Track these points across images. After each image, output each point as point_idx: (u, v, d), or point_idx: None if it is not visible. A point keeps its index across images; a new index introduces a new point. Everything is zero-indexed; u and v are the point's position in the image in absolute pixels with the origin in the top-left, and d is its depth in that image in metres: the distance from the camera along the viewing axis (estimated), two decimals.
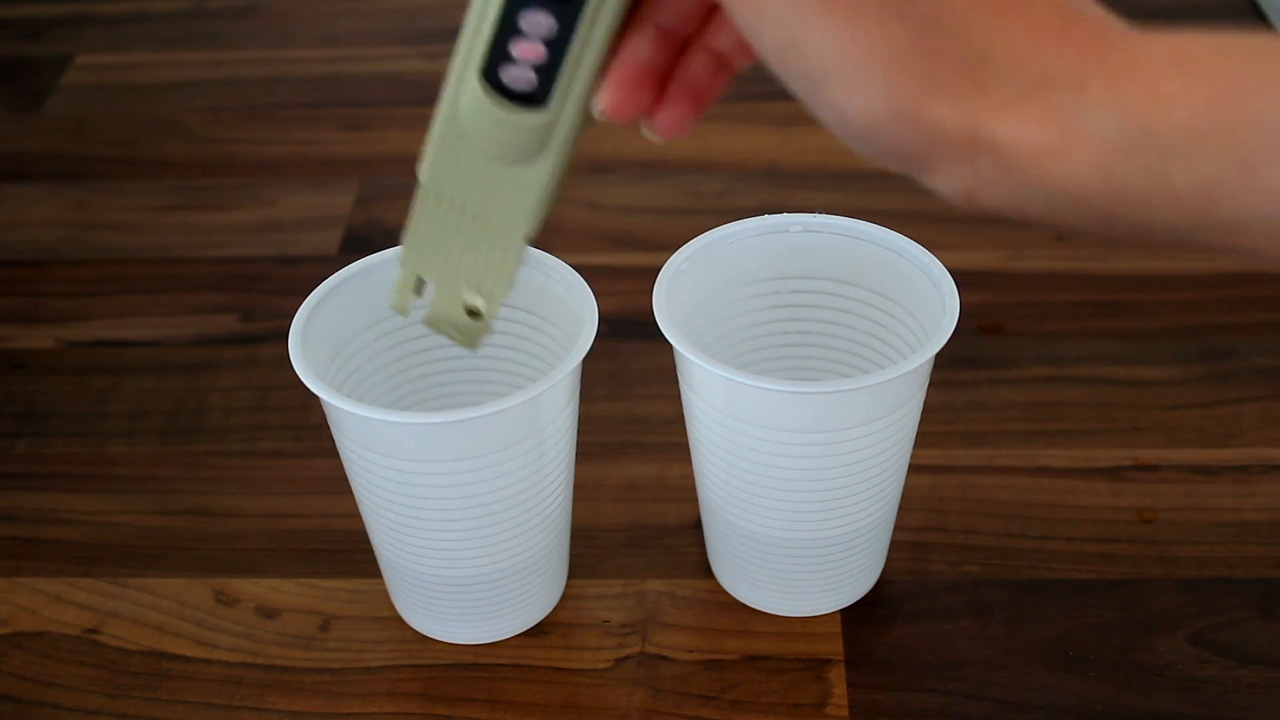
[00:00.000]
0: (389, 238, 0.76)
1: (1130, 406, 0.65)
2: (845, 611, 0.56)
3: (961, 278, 0.52)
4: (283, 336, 0.52)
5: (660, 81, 0.43)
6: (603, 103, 0.42)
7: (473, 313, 0.47)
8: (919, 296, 0.52)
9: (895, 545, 0.58)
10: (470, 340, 0.47)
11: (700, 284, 0.54)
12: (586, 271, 0.53)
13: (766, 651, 0.55)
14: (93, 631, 0.57)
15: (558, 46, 0.42)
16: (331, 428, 0.52)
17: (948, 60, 0.35)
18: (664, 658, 0.55)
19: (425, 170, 0.46)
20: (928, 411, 0.55)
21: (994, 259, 0.73)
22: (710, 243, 0.54)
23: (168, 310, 0.73)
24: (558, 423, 0.51)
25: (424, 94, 0.88)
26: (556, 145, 0.45)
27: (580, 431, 0.54)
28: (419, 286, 0.47)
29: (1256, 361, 0.67)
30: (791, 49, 0.37)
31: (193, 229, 0.78)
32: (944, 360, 0.55)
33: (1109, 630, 0.55)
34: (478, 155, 0.45)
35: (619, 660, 0.55)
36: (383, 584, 0.57)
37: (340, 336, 0.53)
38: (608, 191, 0.79)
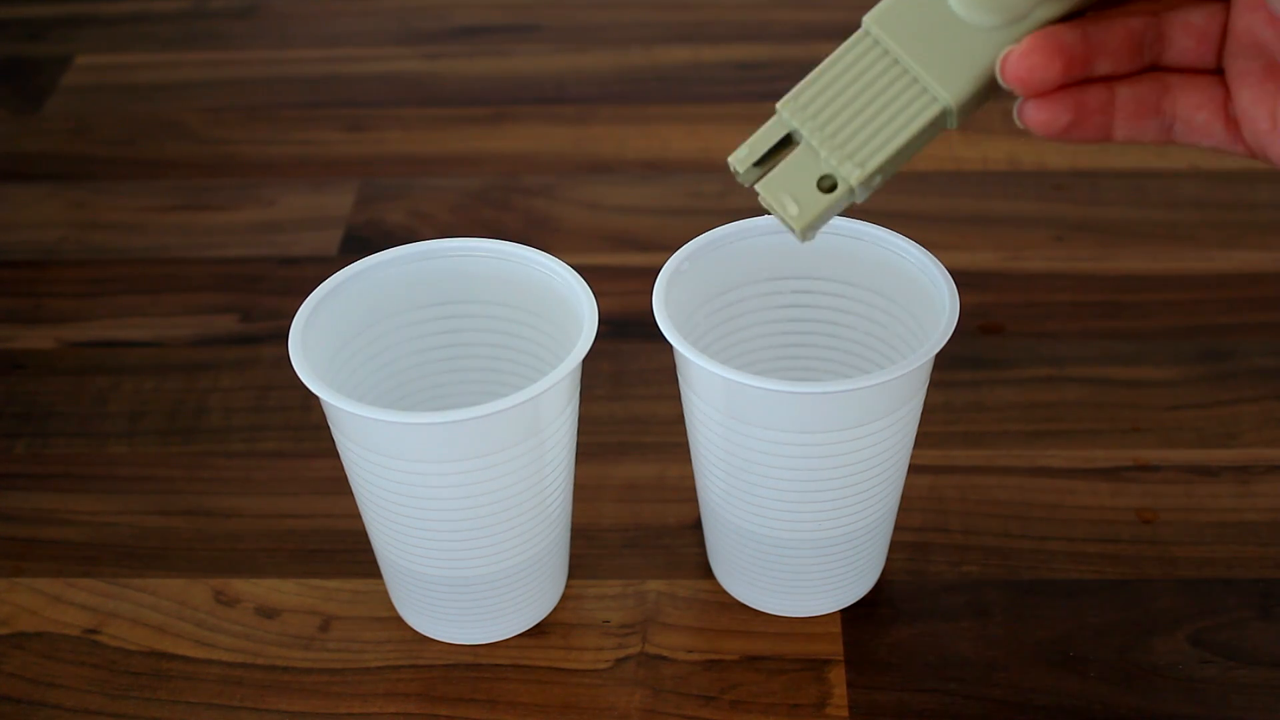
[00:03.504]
0: (389, 238, 0.76)
1: (1130, 406, 0.65)
2: (845, 611, 0.56)
3: (961, 278, 0.52)
4: (283, 336, 0.52)
5: (1069, 70, 0.42)
6: (1016, 50, 0.42)
7: (825, 189, 0.44)
8: (919, 296, 0.52)
9: (895, 545, 0.58)
10: (807, 218, 0.44)
11: (700, 284, 0.54)
12: (586, 271, 0.53)
13: (766, 651, 0.55)
14: (93, 632, 0.57)
15: None
16: (331, 428, 0.52)
17: None
18: (664, 658, 0.55)
19: (876, 12, 0.44)
20: (928, 411, 0.55)
21: (994, 259, 0.73)
22: (710, 243, 0.54)
23: (168, 310, 0.73)
24: (558, 423, 0.51)
25: (424, 94, 0.89)
26: (1032, 18, 0.43)
27: (580, 431, 0.54)
28: (779, 147, 0.45)
29: (1256, 362, 0.67)
30: None
31: (193, 229, 0.78)
32: (944, 360, 0.55)
33: (1109, 630, 0.55)
34: (945, 9, 0.43)
35: (619, 660, 0.55)
36: (383, 584, 0.57)
37: (340, 336, 0.53)
38: (608, 191, 0.79)
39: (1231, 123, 0.43)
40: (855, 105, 0.44)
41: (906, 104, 0.44)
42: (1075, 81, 0.43)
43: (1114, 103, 0.44)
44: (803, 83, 0.45)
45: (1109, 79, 0.43)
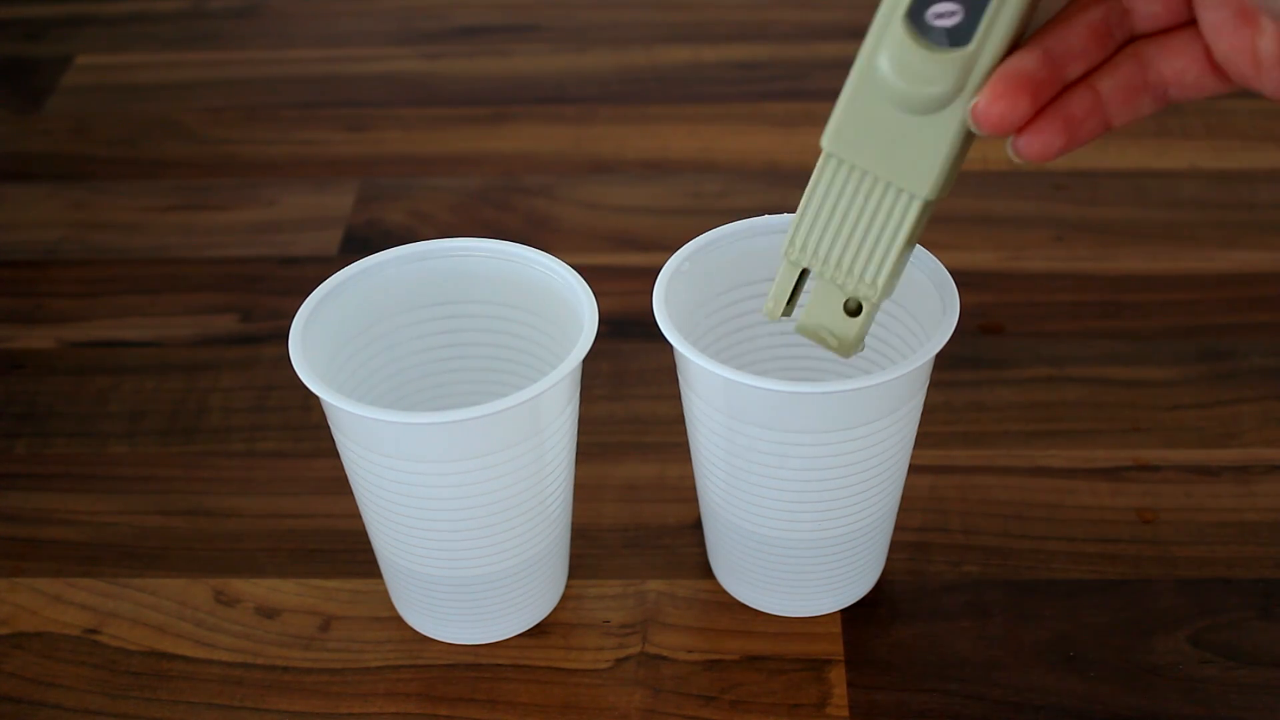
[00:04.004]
0: (389, 238, 0.76)
1: (1130, 406, 0.65)
2: (845, 611, 0.56)
3: (961, 278, 0.52)
4: (283, 336, 0.52)
5: (1038, 98, 0.43)
6: (981, 101, 0.43)
7: (851, 312, 0.47)
8: (919, 296, 0.52)
9: (895, 545, 0.58)
10: (847, 344, 0.48)
11: (700, 284, 0.54)
12: (586, 271, 0.53)
13: (766, 651, 0.55)
14: (93, 631, 0.57)
15: None
16: (331, 428, 0.52)
17: None
18: (664, 658, 0.55)
19: (829, 134, 0.46)
20: (928, 411, 0.55)
21: (994, 259, 0.73)
22: (710, 243, 0.54)
23: (168, 310, 0.73)
24: (558, 423, 0.51)
25: (424, 94, 0.89)
26: (970, 88, 0.44)
27: (580, 431, 0.54)
28: (800, 283, 0.48)
29: (1256, 361, 0.67)
30: None
31: (193, 229, 0.78)
32: (944, 360, 0.55)
33: (1109, 630, 0.55)
34: (889, 109, 0.45)
35: (619, 660, 0.55)
36: (383, 584, 0.57)
37: (340, 336, 0.53)
38: (608, 191, 0.79)
39: (1219, 70, 0.42)
40: (846, 230, 0.47)
41: (889, 211, 0.46)
42: (1055, 94, 0.43)
43: (1100, 98, 0.44)
44: (793, 222, 0.47)
45: (1088, 74, 0.43)
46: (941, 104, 0.44)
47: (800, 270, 0.48)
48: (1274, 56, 0.40)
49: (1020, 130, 0.43)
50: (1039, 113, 0.43)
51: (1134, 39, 0.44)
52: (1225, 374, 0.66)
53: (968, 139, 0.45)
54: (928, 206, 0.46)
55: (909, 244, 0.46)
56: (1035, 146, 0.43)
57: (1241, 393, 0.65)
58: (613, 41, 0.93)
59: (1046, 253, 0.74)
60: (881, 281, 0.47)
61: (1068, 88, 0.43)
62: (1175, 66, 0.43)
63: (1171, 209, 0.77)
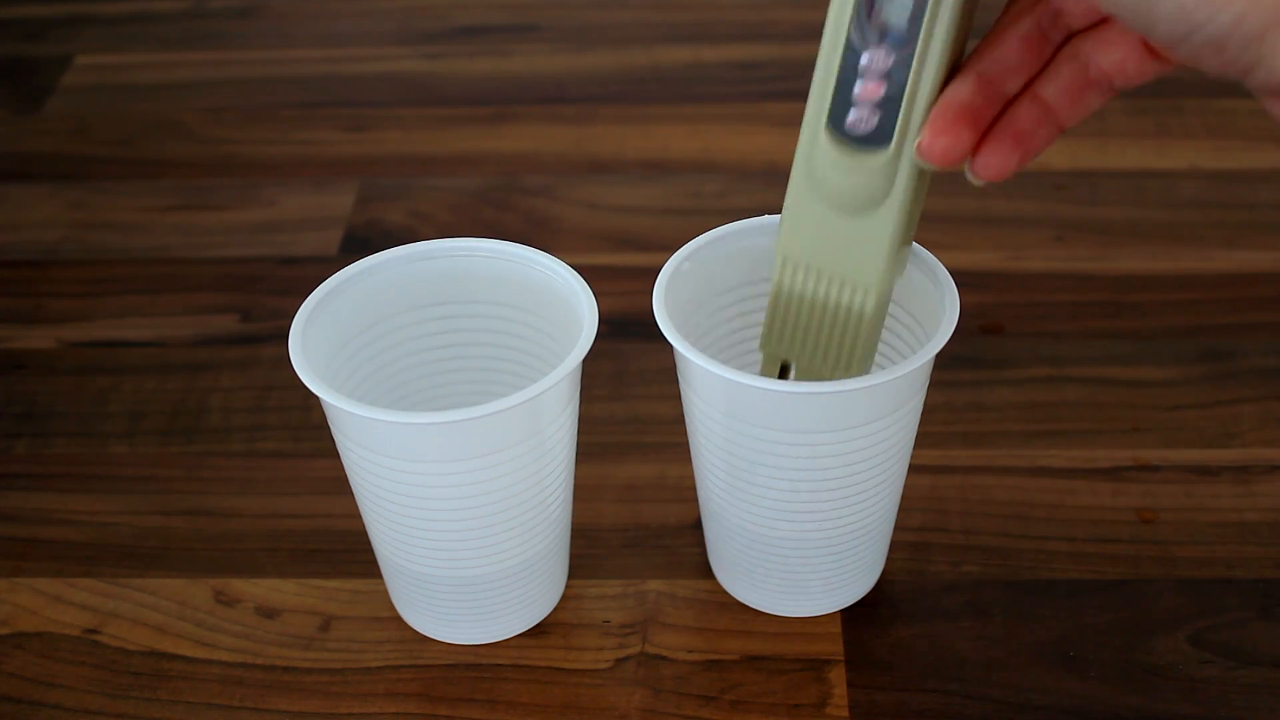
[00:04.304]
0: (389, 238, 0.76)
1: (1130, 406, 0.65)
2: (845, 611, 0.56)
3: (961, 278, 0.52)
4: (283, 336, 0.52)
5: (979, 125, 0.44)
6: (923, 139, 0.44)
7: None
8: (919, 296, 0.52)
9: (895, 545, 0.58)
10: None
11: (700, 284, 0.54)
12: (586, 271, 0.53)
13: (766, 651, 0.55)
14: (93, 631, 0.57)
15: (895, 82, 0.45)
16: (331, 428, 0.52)
17: None
18: (664, 658, 0.55)
19: (780, 239, 0.49)
20: (928, 411, 0.55)
21: (994, 259, 0.73)
22: (710, 243, 0.54)
23: (168, 310, 0.73)
24: (558, 423, 0.51)
25: (424, 94, 0.89)
26: (900, 185, 0.47)
27: (580, 431, 0.54)
28: (783, 372, 0.51)
29: (1256, 361, 0.67)
30: None
31: (193, 229, 0.78)
32: (944, 360, 0.55)
33: (1109, 630, 0.55)
34: (829, 212, 0.48)
35: (619, 660, 0.55)
36: (383, 584, 0.57)
37: (340, 336, 0.53)
38: (608, 191, 0.79)
39: (1157, 54, 0.42)
40: (813, 324, 0.50)
41: (849, 303, 0.49)
42: (999, 113, 0.44)
43: (1047, 105, 0.44)
44: (765, 319, 0.51)
45: (1030, 82, 0.44)
46: (875, 203, 0.47)
47: (781, 362, 0.51)
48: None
49: (974, 153, 0.44)
50: (988, 133, 0.44)
51: (1070, 37, 0.44)
52: (1225, 374, 0.66)
53: (911, 216, 0.48)
54: (885, 293, 0.49)
55: (874, 326, 0.49)
56: (991, 169, 0.44)
57: (1241, 393, 0.65)
58: (613, 41, 0.93)
59: (1046, 253, 0.74)
60: (856, 364, 0.50)
61: (1012, 102, 0.44)
62: (1114, 58, 0.43)
63: (1171, 209, 0.77)
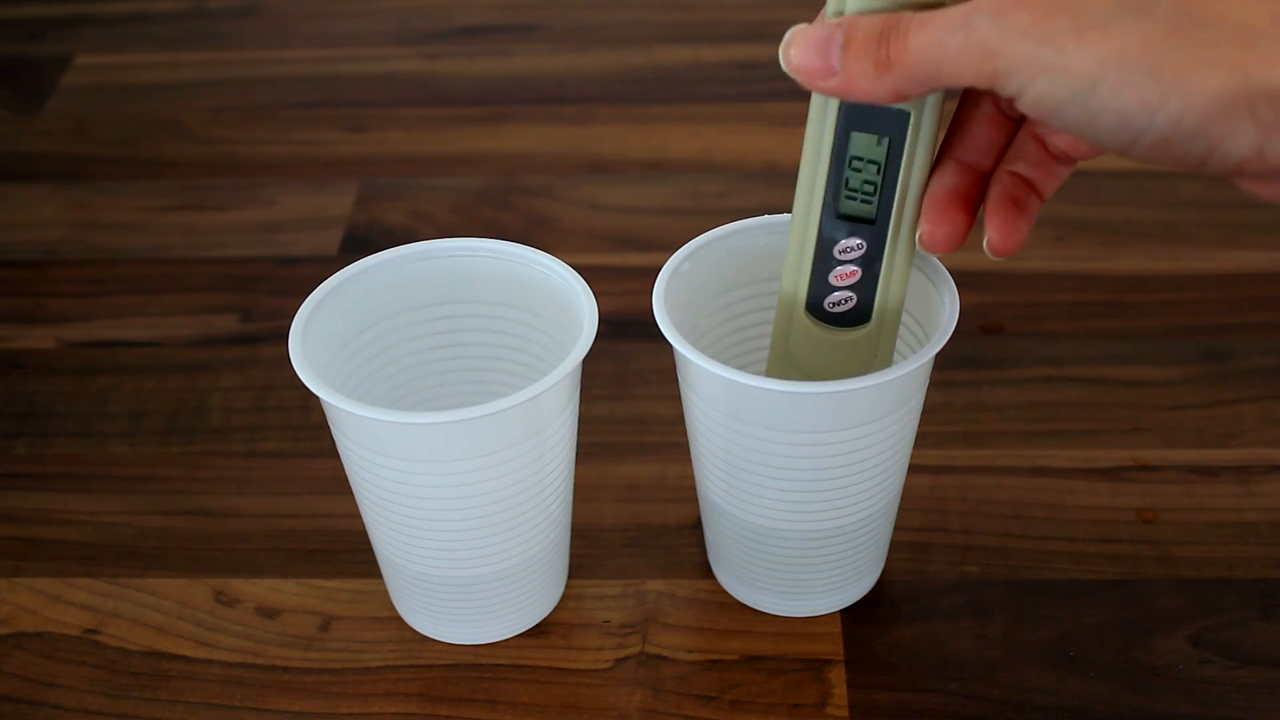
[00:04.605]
0: (389, 238, 0.76)
1: (1130, 406, 0.65)
2: (845, 611, 0.56)
3: (961, 278, 0.52)
4: (283, 336, 0.52)
5: (970, 206, 0.46)
6: (922, 231, 0.46)
7: None
8: (918, 297, 0.52)
9: (895, 545, 0.58)
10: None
11: (700, 284, 0.54)
12: (586, 271, 0.53)
13: (766, 651, 0.55)
14: (93, 631, 0.57)
15: (869, 264, 0.48)
16: (331, 428, 0.52)
17: (1208, 36, 0.37)
18: (664, 658, 0.55)
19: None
20: (928, 411, 0.55)
21: (994, 259, 0.73)
22: (710, 243, 0.54)
23: (168, 310, 0.73)
24: (558, 423, 0.51)
25: (424, 94, 0.89)
26: (884, 355, 0.50)
27: (580, 431, 0.54)
28: None
29: (1256, 361, 0.67)
30: (1055, 77, 0.38)
31: (193, 229, 0.78)
32: (944, 360, 0.55)
33: (1109, 630, 0.55)
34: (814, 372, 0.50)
35: (619, 660, 0.55)
36: (383, 584, 0.57)
37: (340, 336, 0.53)
38: (608, 191, 0.79)
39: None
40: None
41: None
42: (982, 191, 0.46)
43: (1024, 178, 0.45)
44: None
45: (999, 161, 0.46)
46: (860, 373, 0.49)
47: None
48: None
49: (988, 231, 0.45)
50: (989, 210, 0.45)
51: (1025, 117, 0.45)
52: (1225, 374, 0.66)
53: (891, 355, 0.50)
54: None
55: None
56: (1009, 241, 0.45)
57: (1241, 393, 0.65)
58: (613, 41, 0.93)
59: (1046, 253, 0.74)
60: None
61: (991, 178, 0.46)
62: (1067, 140, 0.45)
63: (1171, 209, 0.77)
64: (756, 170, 0.81)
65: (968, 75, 0.39)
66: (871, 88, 0.41)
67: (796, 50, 0.43)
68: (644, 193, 0.79)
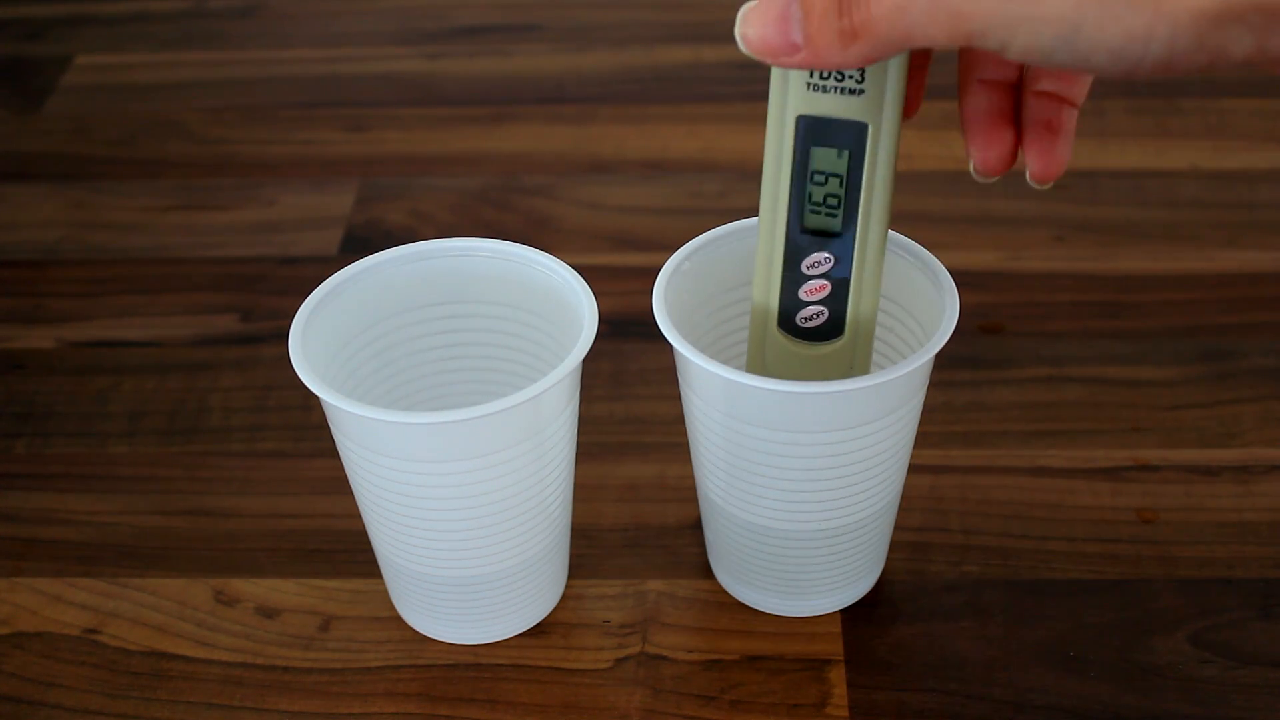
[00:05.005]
0: (389, 238, 0.76)
1: (1130, 406, 0.65)
2: (845, 611, 0.56)
3: (961, 278, 0.52)
4: (283, 336, 0.52)
5: (1010, 120, 0.45)
6: (975, 161, 0.45)
7: None
8: (919, 296, 0.52)
9: (895, 545, 0.58)
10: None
11: (700, 284, 0.54)
12: (586, 271, 0.53)
13: (766, 651, 0.55)
14: (93, 631, 0.57)
15: (839, 277, 0.48)
16: (331, 428, 0.52)
17: None
18: (664, 658, 0.55)
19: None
20: (928, 411, 0.55)
21: (994, 259, 0.73)
22: (710, 243, 0.54)
23: (168, 310, 0.73)
24: (558, 423, 0.51)
25: (424, 94, 0.89)
26: (860, 367, 0.50)
27: (580, 431, 0.54)
28: None
29: (1256, 361, 0.67)
30: (1035, 26, 0.37)
31: (193, 229, 0.78)
32: (944, 360, 0.55)
33: (1109, 630, 0.55)
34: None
35: (619, 660, 0.55)
36: (383, 584, 0.57)
37: (340, 336, 0.53)
38: (608, 191, 0.79)
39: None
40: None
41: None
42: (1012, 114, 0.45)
43: (1051, 92, 0.45)
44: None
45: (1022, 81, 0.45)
46: (838, 375, 0.49)
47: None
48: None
49: (1029, 162, 0.44)
50: (1030, 141, 0.44)
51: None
52: (1225, 374, 0.66)
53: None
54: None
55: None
56: (1052, 168, 0.44)
57: (1241, 393, 0.65)
58: (613, 41, 0.93)
59: (1046, 253, 0.74)
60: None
61: (1020, 105, 0.45)
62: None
63: (1171, 209, 0.77)
64: (756, 170, 0.80)
65: (941, 38, 0.38)
66: (841, 58, 0.40)
67: (754, 28, 0.41)
68: (644, 193, 0.79)
